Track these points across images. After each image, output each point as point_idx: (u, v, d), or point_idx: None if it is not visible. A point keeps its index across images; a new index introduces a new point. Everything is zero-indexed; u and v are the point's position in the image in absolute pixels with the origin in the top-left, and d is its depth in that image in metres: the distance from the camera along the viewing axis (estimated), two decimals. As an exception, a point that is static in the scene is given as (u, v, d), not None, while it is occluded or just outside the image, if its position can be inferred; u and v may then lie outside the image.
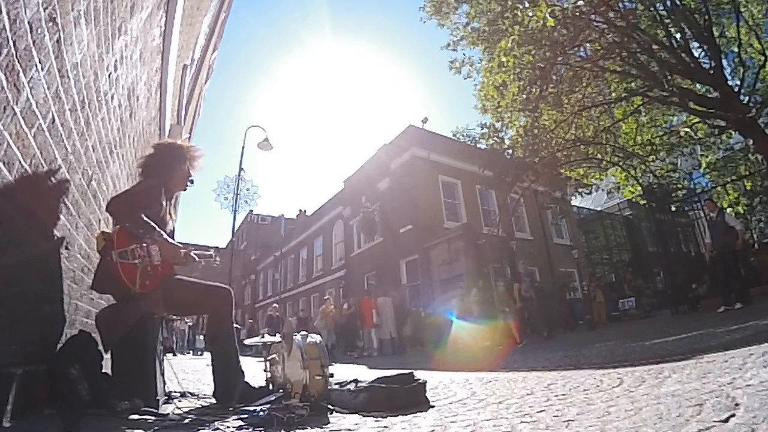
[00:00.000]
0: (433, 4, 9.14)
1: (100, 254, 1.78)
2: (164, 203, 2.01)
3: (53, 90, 1.33)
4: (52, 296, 1.64)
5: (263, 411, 1.46)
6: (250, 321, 18.15)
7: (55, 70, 1.32)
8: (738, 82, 7.29)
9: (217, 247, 2.49)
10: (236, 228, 12.08)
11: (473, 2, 8.49)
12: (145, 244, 1.79)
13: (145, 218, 1.79)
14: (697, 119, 8.12)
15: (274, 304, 14.34)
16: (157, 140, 2.50)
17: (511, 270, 10.02)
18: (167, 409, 1.80)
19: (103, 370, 1.78)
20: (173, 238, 2.05)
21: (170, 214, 2.13)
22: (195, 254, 2.19)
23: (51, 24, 1.21)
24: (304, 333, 2.00)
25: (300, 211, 29.54)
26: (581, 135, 8.78)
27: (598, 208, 19.80)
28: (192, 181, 2.20)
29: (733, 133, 8.03)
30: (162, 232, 1.86)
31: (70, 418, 1.30)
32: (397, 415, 1.50)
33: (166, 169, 2.06)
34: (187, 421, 1.52)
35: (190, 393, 2.26)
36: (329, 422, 1.46)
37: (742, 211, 10.81)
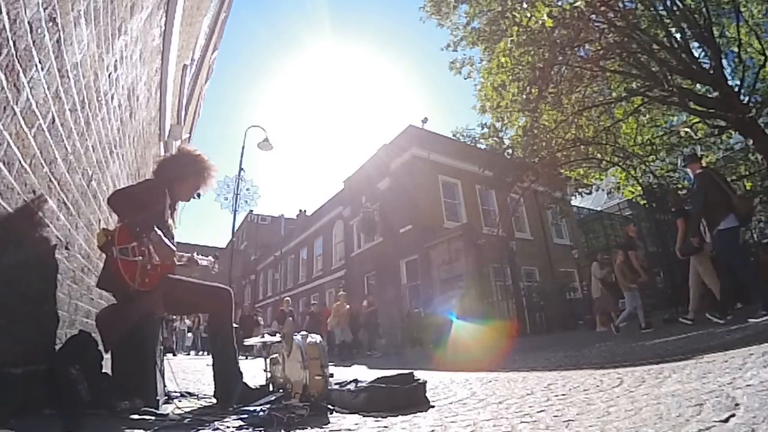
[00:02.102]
0: (433, 4, 9.14)
1: (101, 250, 1.78)
2: (167, 206, 2.01)
3: (53, 90, 1.33)
4: (52, 296, 1.64)
5: (263, 411, 1.46)
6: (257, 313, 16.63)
7: (55, 70, 1.32)
8: (738, 82, 7.28)
9: (216, 256, 2.49)
10: (236, 228, 12.02)
11: (473, 2, 8.49)
12: (145, 242, 1.78)
13: (145, 217, 1.78)
14: (697, 119, 8.11)
15: (287, 298, 12.58)
16: (182, 145, 2.49)
17: (622, 240, 8.08)
18: (167, 409, 1.80)
19: (103, 370, 1.78)
20: (173, 241, 2.04)
21: (173, 218, 2.13)
22: (197, 259, 2.21)
23: (51, 24, 1.21)
24: (304, 333, 2.00)
25: (300, 211, 29.58)
26: (581, 135, 8.77)
27: (598, 208, 19.80)
28: (199, 195, 2.19)
29: (733, 133, 8.03)
30: (159, 233, 1.84)
31: (70, 418, 1.30)
32: (397, 415, 1.50)
33: (177, 176, 2.06)
34: (187, 421, 1.52)
35: (190, 393, 2.26)
36: (329, 422, 1.46)
37: (742, 211, 10.79)
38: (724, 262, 4.21)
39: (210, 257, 2.40)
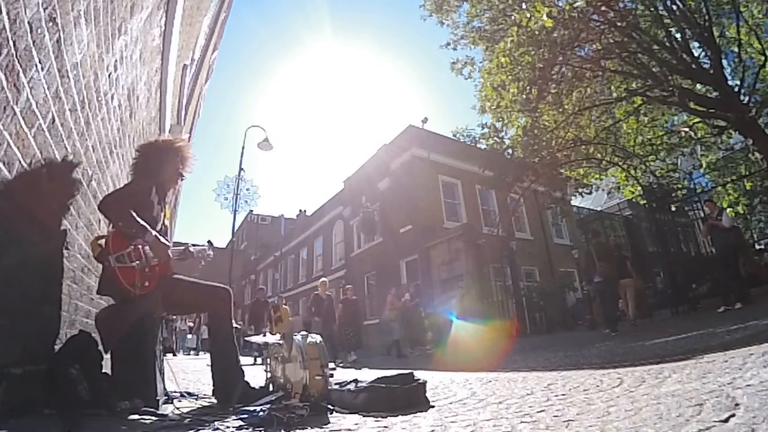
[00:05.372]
0: (434, 2, 9.16)
1: (97, 260, 1.77)
2: (156, 203, 2.00)
3: (53, 90, 1.33)
4: (52, 296, 1.64)
5: (263, 411, 1.46)
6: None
7: (55, 70, 1.32)
8: (738, 82, 7.29)
9: (209, 241, 2.48)
10: (236, 228, 11.97)
11: (474, 0, 8.49)
12: (140, 245, 1.78)
13: (138, 218, 1.77)
14: (697, 119, 8.12)
15: (323, 279, 9.62)
16: (142, 142, 2.50)
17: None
18: (167, 409, 1.80)
19: (103, 370, 1.78)
20: (166, 237, 2.04)
21: (165, 213, 2.13)
22: (192, 250, 2.20)
23: (51, 24, 1.21)
24: (304, 333, 2.00)
25: (300, 211, 29.61)
26: (581, 135, 8.78)
27: (598, 208, 19.80)
28: (182, 175, 2.17)
29: (733, 133, 8.03)
30: (154, 232, 1.84)
31: (70, 418, 1.30)
32: (397, 415, 1.50)
33: (154, 168, 2.03)
34: (187, 421, 1.52)
35: (190, 393, 2.26)
36: (329, 422, 1.46)
37: (742, 211, 10.81)
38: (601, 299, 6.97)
39: (204, 245, 2.39)
